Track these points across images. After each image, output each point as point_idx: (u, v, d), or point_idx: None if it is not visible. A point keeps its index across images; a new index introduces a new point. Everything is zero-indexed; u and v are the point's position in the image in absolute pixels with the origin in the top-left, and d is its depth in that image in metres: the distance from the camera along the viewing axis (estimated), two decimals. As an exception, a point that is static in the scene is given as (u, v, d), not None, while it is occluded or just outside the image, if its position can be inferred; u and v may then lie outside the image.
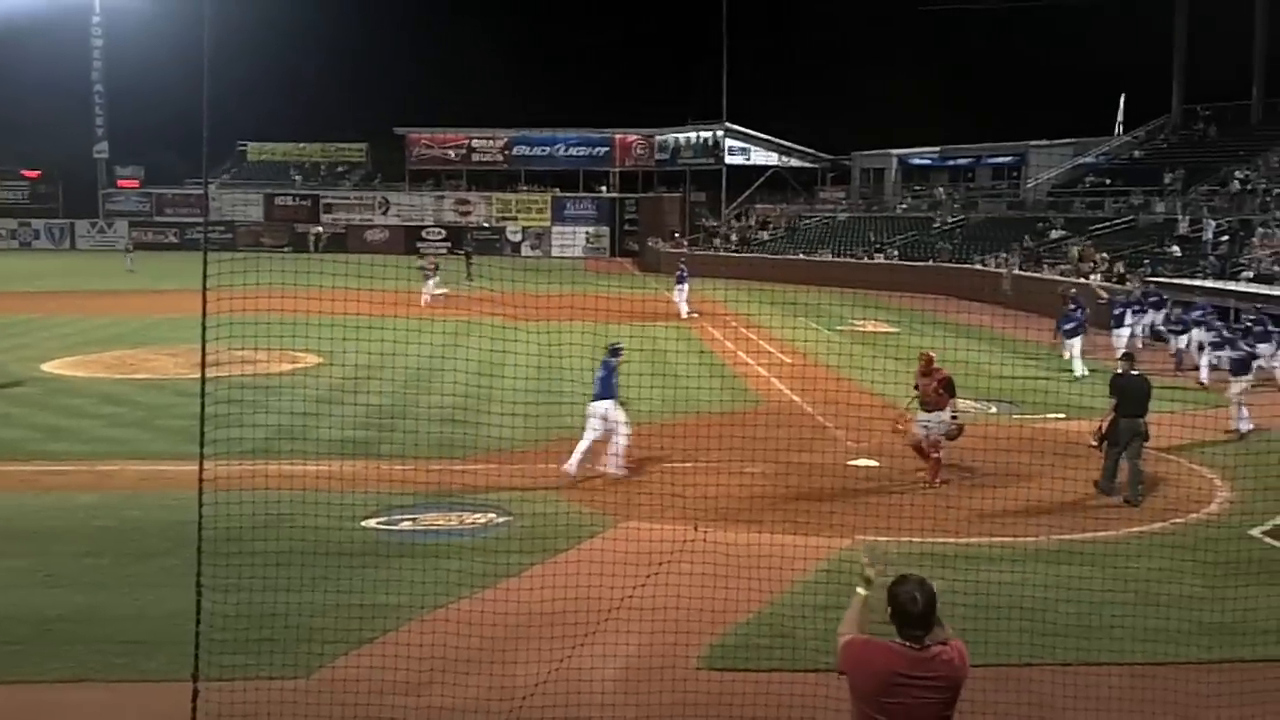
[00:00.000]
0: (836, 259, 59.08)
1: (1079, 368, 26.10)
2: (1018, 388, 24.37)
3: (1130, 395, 15.54)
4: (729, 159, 77.70)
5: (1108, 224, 49.61)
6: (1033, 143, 64.06)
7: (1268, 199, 43.93)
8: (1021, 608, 10.30)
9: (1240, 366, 20.59)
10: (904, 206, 67.38)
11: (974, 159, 69.22)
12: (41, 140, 72.61)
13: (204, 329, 8.35)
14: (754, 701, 9.07)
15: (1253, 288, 33.25)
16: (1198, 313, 27.88)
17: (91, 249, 76.45)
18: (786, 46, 75.12)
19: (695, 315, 39.23)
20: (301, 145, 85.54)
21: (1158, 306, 31.46)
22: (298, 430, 17.57)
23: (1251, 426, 19.61)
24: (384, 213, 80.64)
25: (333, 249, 68.63)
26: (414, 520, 14.25)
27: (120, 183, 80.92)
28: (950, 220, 60.92)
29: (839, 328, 34.66)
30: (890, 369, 18.98)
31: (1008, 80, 63.61)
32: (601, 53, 71.96)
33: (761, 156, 78.34)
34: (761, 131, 76.78)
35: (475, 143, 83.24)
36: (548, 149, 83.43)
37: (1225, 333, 25.20)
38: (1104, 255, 43.85)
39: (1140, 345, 27.87)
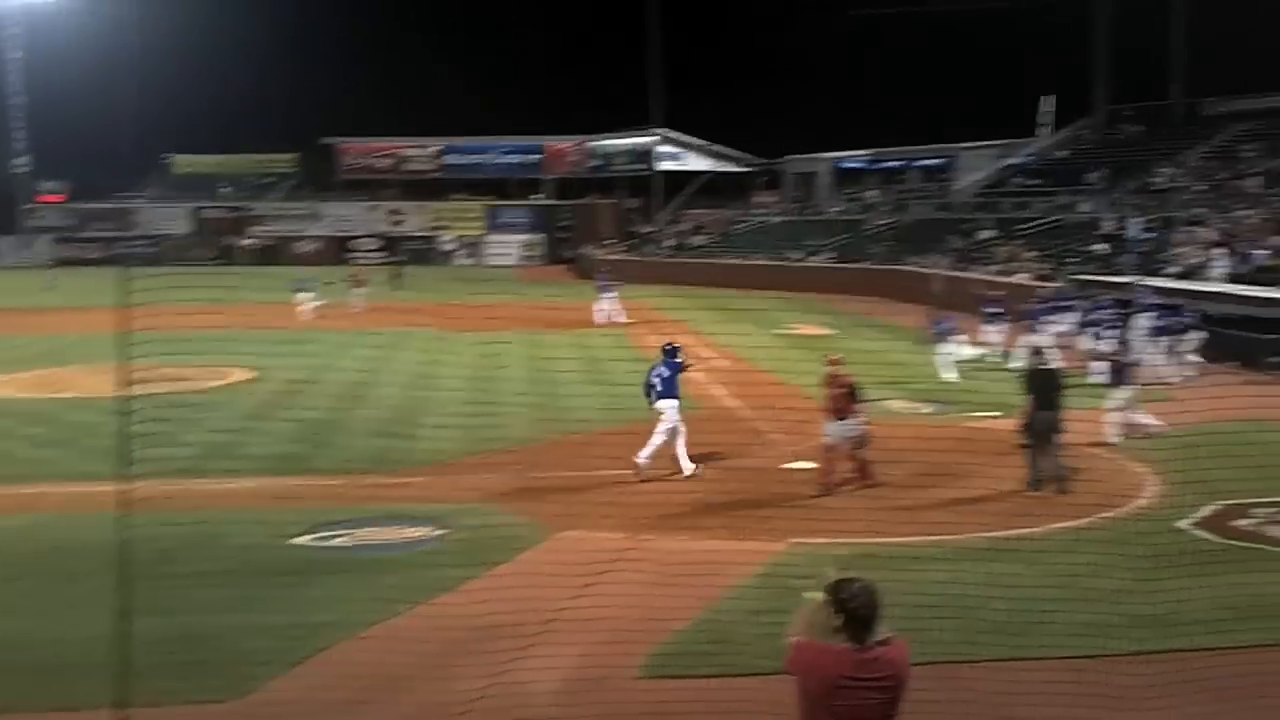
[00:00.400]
0: (772, 263, 59.38)
1: (948, 371, 25.60)
2: (952, 388, 24.68)
3: (1043, 388, 15.75)
4: (662, 165, 77.93)
5: (1035, 223, 50.38)
6: (962, 145, 64.92)
7: (1189, 196, 44.84)
8: (955, 605, 10.37)
9: (1118, 376, 19.31)
10: (837, 210, 67.91)
11: (904, 162, 69.93)
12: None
13: (126, 345, 8.17)
14: (695, 709, 9.03)
15: (1178, 284, 33.90)
16: (1107, 311, 28.07)
17: (15, 266, 74.84)
18: (719, 52, 75.46)
19: (623, 323, 38.27)
20: (229, 156, 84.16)
21: (1074, 309, 31.44)
22: (228, 447, 17.31)
23: (1152, 421, 18.81)
24: (315, 224, 79.84)
25: (262, 261, 67.89)
26: (347, 536, 14.04)
27: (43, 198, 79.27)
28: (882, 222, 61.50)
29: (775, 331, 34.80)
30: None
31: (937, 83, 64.32)
32: (533, 60, 71.90)
33: (695, 162, 78.68)
34: (695, 137, 77.11)
35: (407, 151, 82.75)
36: (480, 157, 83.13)
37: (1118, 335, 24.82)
38: (1031, 254, 44.52)
39: (1070, 343, 28.06)
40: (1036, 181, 56.16)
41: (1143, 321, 26.32)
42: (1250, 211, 39.45)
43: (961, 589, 10.97)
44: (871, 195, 67.38)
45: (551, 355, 29.06)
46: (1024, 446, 15.83)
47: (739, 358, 28.41)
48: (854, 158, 71.29)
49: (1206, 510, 14.26)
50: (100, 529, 13.27)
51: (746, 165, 78.66)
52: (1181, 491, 15.15)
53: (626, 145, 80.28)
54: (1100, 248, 42.54)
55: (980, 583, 11.37)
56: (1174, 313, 26.29)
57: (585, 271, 66.52)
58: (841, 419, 15.73)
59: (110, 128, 72.68)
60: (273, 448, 18.70)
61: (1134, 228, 42.36)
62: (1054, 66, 59.77)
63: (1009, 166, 60.92)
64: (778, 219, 69.45)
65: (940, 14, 62.60)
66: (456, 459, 16.99)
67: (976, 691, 9.09)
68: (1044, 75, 60.12)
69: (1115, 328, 25.93)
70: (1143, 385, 20.37)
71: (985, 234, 51.64)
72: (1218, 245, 36.48)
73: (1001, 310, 28.31)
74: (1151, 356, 24.36)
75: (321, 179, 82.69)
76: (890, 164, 70.20)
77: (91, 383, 26.79)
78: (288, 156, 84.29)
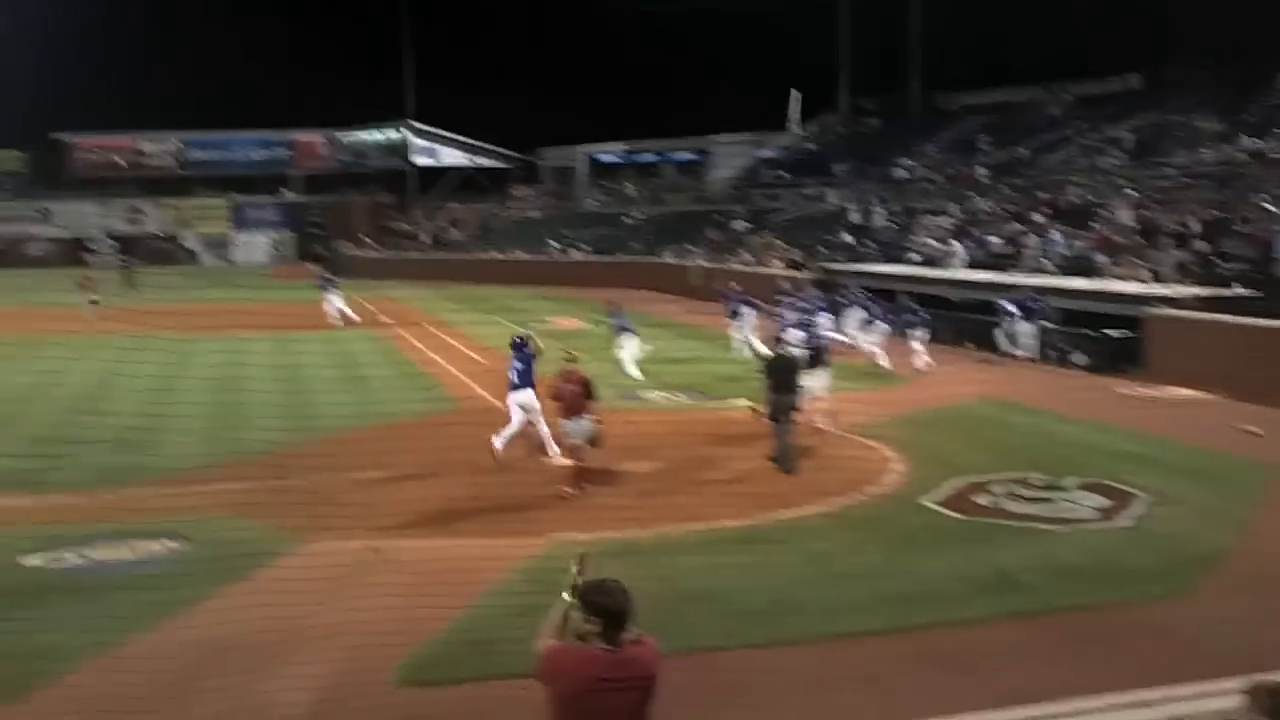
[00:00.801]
0: (531, 257, 59.31)
1: (632, 369, 25.19)
2: (707, 376, 25.12)
3: (779, 373, 16.40)
4: (417, 159, 76.78)
5: (786, 215, 51.99)
6: (715, 138, 66.37)
7: (928, 186, 47.10)
8: (712, 592, 10.45)
9: (813, 360, 18.84)
10: (594, 203, 68.42)
11: (660, 155, 71.08)
12: None
13: None
14: (456, 713, 8.82)
15: (919, 270, 35.55)
16: (824, 304, 29.24)
17: None
18: (471, 43, 74.61)
19: (355, 322, 36.41)
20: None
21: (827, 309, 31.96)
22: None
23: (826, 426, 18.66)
24: (46, 224, 75.12)
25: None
26: (81, 554, 13.11)
27: None
28: (639, 215, 62.29)
29: (534, 325, 34.66)
30: (588, 366, 18.98)
31: (690, 78, 65.40)
32: (279, 50, 69.17)
33: (450, 156, 77.84)
34: (449, 131, 76.25)
35: (144, 146, 78.82)
36: (225, 152, 79.95)
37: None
38: (782, 244, 45.90)
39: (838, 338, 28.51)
40: (787, 174, 57.99)
41: (855, 314, 28.06)
42: (984, 201, 41.63)
43: (718, 577, 11.08)
44: (629, 189, 68.21)
45: (300, 357, 28.18)
46: (773, 424, 16.31)
47: (496, 353, 28.08)
48: (610, 151, 72.01)
49: (948, 488, 14.86)
50: None
51: (503, 159, 78.37)
52: (925, 470, 15.83)
53: (379, 140, 78.74)
54: (846, 238, 44.18)
55: (737, 568, 11.54)
56: (903, 309, 27.43)
57: (339, 270, 64.73)
58: (577, 417, 15.62)
59: None
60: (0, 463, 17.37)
61: (876, 217, 44.18)
62: (801, 62, 61.84)
63: (761, 159, 62.67)
64: (535, 213, 69.46)
65: (692, 11, 63.77)
66: (200, 469, 16.13)
67: (733, 676, 9.15)
68: (792, 70, 62.18)
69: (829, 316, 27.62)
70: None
71: (739, 225, 52.98)
72: (955, 235, 38.40)
73: (744, 303, 29.13)
74: (865, 340, 26.26)
75: (53, 177, 77.80)
76: (646, 157, 71.22)
77: None
78: (14, 154, 78.97)
